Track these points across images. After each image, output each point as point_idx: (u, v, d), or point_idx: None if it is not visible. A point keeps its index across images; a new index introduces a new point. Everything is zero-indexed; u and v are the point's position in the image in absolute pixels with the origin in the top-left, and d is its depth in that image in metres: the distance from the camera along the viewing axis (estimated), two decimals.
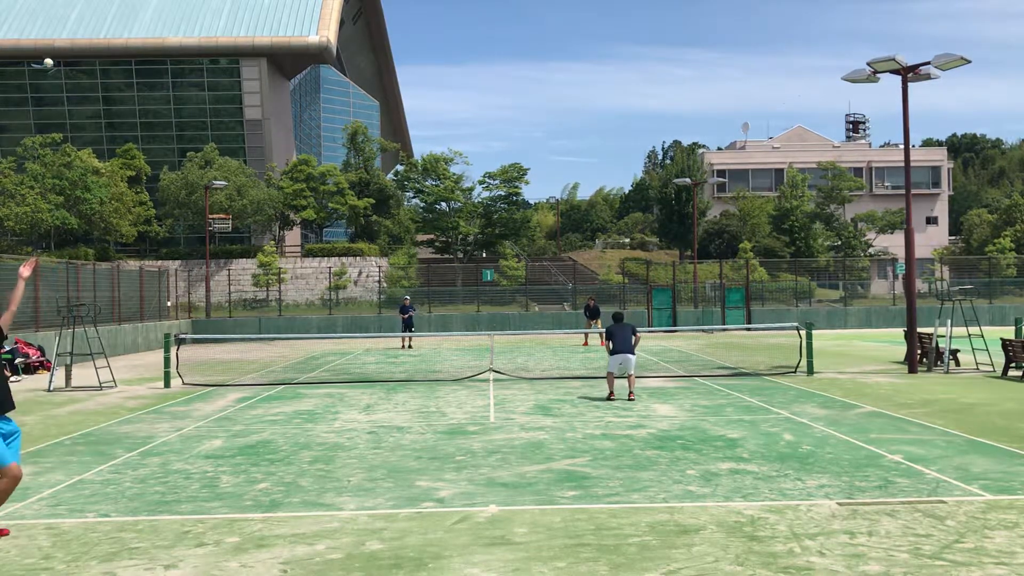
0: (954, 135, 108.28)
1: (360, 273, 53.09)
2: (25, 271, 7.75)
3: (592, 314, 32.58)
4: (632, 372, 16.03)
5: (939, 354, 20.85)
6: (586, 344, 32.61)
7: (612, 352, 16.05)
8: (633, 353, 15.97)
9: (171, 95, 61.63)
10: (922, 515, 7.62)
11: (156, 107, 61.85)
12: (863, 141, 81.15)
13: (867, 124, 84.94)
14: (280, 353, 30.50)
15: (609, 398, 15.84)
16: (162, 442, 12.05)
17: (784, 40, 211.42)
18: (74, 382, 20.11)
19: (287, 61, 64.40)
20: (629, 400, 15.64)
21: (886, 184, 71.57)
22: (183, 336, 23.72)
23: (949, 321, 20.71)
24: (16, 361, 22.77)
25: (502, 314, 43.43)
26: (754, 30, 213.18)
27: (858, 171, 69.84)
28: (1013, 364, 19.02)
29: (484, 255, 59.85)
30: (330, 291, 47.56)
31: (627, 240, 73.05)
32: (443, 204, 59.10)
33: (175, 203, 52.77)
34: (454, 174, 58.92)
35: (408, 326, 32.72)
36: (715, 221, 63.40)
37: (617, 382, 16.52)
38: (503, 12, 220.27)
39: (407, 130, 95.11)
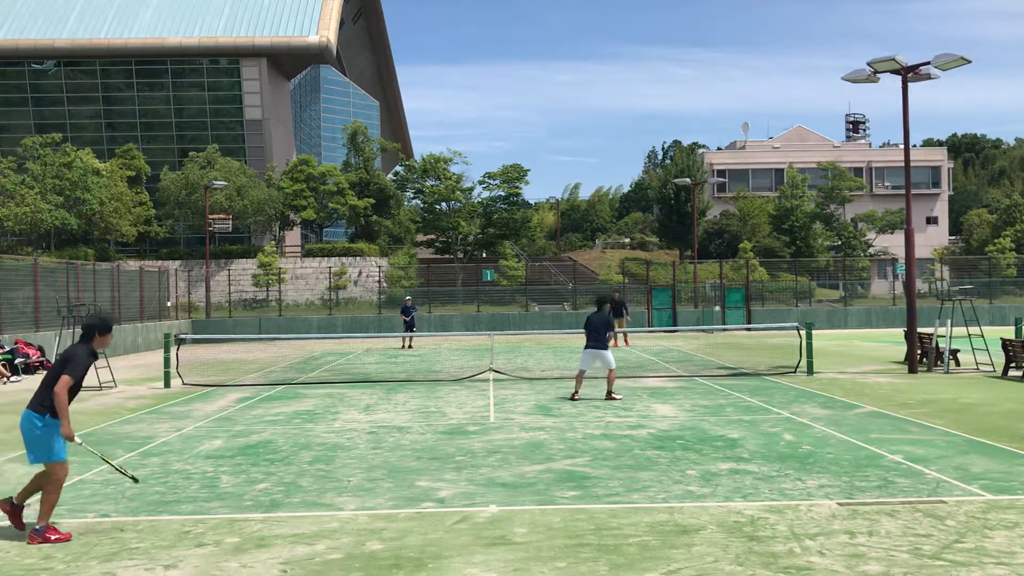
0: (954, 135, 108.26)
1: (360, 273, 53.09)
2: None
3: (616, 311, 28.54)
4: (613, 367, 15.54)
5: (939, 354, 20.84)
6: (615, 345, 28.53)
7: (585, 347, 15.49)
8: (607, 348, 15.49)
9: (171, 95, 61.63)
10: (922, 515, 7.62)
11: (156, 107, 61.84)
12: (863, 141, 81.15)
13: (867, 124, 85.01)
14: (280, 353, 30.50)
15: (573, 398, 15.55)
16: (162, 442, 12.05)
17: (784, 40, 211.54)
18: None
19: (287, 61, 64.40)
20: (609, 400, 15.37)
21: (886, 184, 71.56)
22: (183, 336, 23.69)
23: (949, 321, 20.70)
24: (16, 361, 22.77)
25: (502, 314, 43.42)
26: (754, 30, 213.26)
27: (858, 171, 69.85)
28: (1013, 364, 19.02)
29: (484, 255, 59.84)
30: (330, 291, 47.56)
31: (627, 240, 73.03)
32: (443, 204, 59.10)
33: (175, 203, 52.79)
34: (454, 174, 58.93)
35: (410, 327, 32.72)
36: (715, 221, 63.39)
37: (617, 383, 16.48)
38: (503, 12, 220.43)
39: (407, 130, 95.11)
